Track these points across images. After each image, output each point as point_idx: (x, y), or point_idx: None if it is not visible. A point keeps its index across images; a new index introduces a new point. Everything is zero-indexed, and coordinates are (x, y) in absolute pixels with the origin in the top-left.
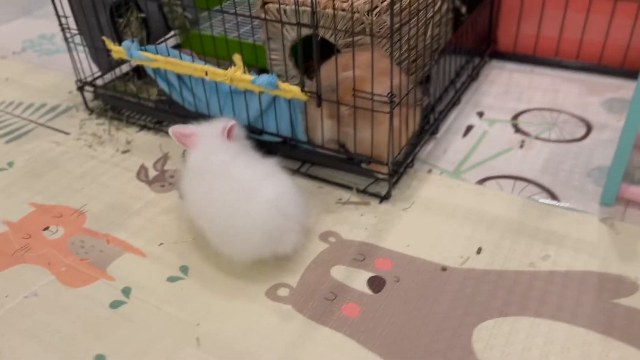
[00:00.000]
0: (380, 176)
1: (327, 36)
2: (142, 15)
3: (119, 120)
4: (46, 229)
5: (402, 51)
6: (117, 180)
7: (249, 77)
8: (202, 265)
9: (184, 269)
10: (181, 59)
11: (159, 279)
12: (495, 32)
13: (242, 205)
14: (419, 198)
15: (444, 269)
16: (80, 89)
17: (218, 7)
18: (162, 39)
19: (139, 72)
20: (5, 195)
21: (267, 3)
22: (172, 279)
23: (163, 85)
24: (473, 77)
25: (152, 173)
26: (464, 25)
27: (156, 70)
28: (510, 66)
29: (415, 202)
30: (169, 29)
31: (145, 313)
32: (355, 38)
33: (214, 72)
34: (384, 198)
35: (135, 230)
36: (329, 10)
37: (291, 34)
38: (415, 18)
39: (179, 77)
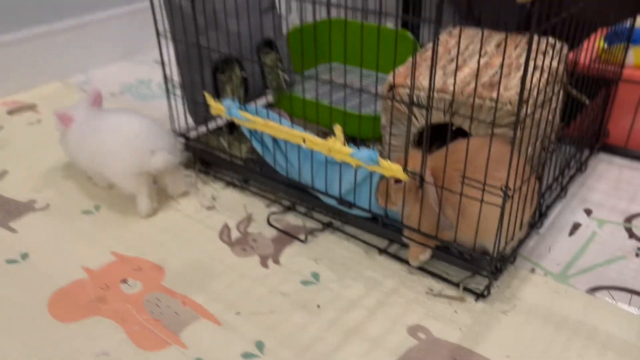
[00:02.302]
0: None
1: (464, 126)
2: (244, 74)
3: (206, 174)
4: (124, 281)
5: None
6: (199, 238)
7: (348, 149)
8: (279, 344)
9: (260, 346)
10: (280, 122)
11: (233, 353)
12: (607, 124)
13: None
14: (520, 301)
15: None
16: None
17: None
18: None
19: (230, 126)
20: (88, 241)
21: (397, 87)
22: (246, 355)
23: (257, 147)
24: (581, 169)
25: (235, 234)
26: (581, 115)
27: (252, 131)
28: (620, 161)
29: (517, 305)
30: (265, 89)
31: None
32: (499, 130)
33: (312, 141)
34: (480, 295)
35: (213, 294)
36: (478, 100)
37: (420, 121)
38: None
39: (275, 140)
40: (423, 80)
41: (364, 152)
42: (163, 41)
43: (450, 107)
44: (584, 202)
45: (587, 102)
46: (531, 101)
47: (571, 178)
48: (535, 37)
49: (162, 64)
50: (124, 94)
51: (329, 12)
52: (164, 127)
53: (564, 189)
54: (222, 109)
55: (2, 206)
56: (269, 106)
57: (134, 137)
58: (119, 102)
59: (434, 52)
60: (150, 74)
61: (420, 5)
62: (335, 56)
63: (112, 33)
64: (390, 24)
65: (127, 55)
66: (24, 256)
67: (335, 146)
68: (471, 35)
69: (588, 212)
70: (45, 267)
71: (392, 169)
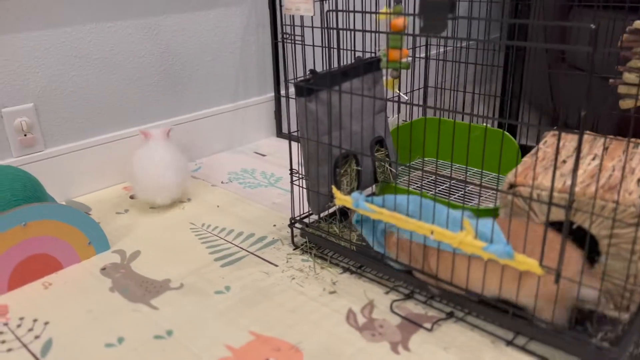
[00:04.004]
0: None
1: (585, 224)
2: (358, 168)
3: (323, 259)
4: None
5: None
6: (327, 321)
7: (481, 243)
8: None
9: None
10: (407, 214)
11: None
12: None
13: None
14: None
15: None
16: (291, 225)
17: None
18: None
19: (340, 215)
20: (225, 320)
21: (517, 186)
22: None
23: (368, 238)
24: None
25: (361, 319)
26: None
27: (362, 221)
28: None
29: None
30: (375, 181)
31: None
32: (623, 231)
33: (441, 233)
34: None
35: None
36: (599, 202)
37: (540, 218)
38: None
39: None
40: (543, 180)
41: (499, 247)
42: (263, 137)
43: (570, 206)
44: None
45: None
46: None
47: None
48: None
49: (290, 159)
50: (233, 182)
51: (425, 113)
52: (183, 169)
53: None
54: (349, 200)
55: (141, 284)
56: (372, 195)
57: (152, 177)
58: (230, 190)
59: (556, 155)
60: (252, 164)
61: (518, 105)
62: (428, 153)
63: (217, 127)
64: (487, 124)
65: (229, 146)
66: (169, 332)
67: (466, 239)
68: (571, 138)
69: None
70: (190, 343)
71: (528, 263)
